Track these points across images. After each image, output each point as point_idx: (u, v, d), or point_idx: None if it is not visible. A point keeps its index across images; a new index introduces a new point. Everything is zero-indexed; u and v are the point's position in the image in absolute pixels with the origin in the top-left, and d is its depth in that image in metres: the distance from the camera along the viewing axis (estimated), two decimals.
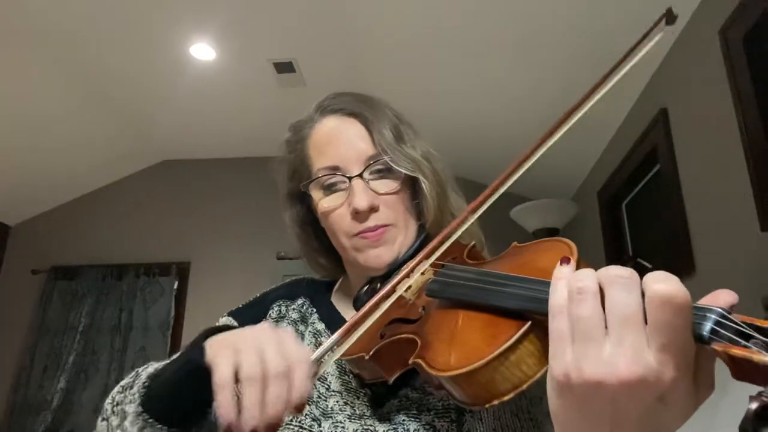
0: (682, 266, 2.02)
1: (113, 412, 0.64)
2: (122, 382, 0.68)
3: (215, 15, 2.48)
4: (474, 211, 0.58)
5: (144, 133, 3.52)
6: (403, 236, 0.75)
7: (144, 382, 0.63)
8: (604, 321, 0.37)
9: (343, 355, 0.66)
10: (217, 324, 0.85)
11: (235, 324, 0.83)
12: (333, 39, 2.60)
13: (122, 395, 0.65)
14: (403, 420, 0.66)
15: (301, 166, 0.80)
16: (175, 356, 0.66)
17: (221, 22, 2.52)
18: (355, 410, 0.69)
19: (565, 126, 0.56)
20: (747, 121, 1.71)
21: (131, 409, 0.61)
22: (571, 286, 0.39)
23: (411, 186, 0.77)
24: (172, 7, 2.43)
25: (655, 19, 0.53)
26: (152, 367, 0.67)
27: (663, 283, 0.35)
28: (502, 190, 0.58)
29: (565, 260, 0.42)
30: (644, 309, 0.36)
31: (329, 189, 0.76)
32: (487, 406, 0.46)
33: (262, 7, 2.40)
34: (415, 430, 0.65)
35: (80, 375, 3.38)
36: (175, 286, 3.57)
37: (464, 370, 0.46)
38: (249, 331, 0.55)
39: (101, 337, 3.45)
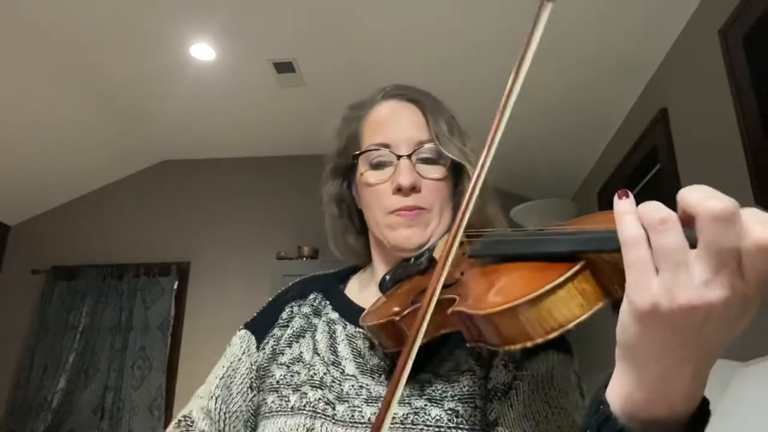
0: None
1: None
2: None
3: (215, 15, 2.48)
4: (480, 171, 0.57)
5: (144, 133, 3.52)
6: (437, 223, 0.77)
7: None
8: (688, 246, 0.37)
9: (370, 320, 0.66)
10: (234, 338, 0.87)
11: (252, 340, 0.84)
12: (333, 39, 2.60)
13: None
14: (425, 405, 0.66)
15: (353, 142, 0.82)
16: None
17: (221, 22, 2.52)
18: (371, 392, 0.69)
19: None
20: (747, 121, 1.71)
21: None
22: (650, 217, 0.38)
23: (455, 178, 0.80)
24: (172, 7, 2.43)
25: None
26: None
27: (763, 228, 0.35)
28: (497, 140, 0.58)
29: (624, 194, 0.41)
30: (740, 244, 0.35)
31: (377, 167, 0.78)
32: (530, 344, 0.45)
33: (262, 7, 2.40)
34: (437, 415, 0.65)
35: (80, 375, 3.37)
36: (175, 286, 3.56)
37: (510, 305, 0.44)
38: None
39: (101, 337, 3.45)
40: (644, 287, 0.38)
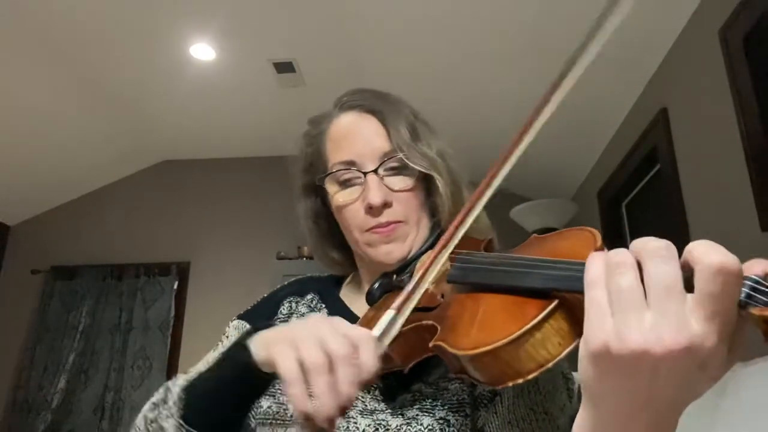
0: None
1: (148, 430, 0.63)
2: (152, 399, 0.67)
3: (215, 15, 2.48)
4: (479, 198, 0.58)
5: (144, 133, 3.52)
6: (415, 233, 0.76)
7: (180, 395, 0.62)
8: (643, 292, 0.37)
9: None
10: (227, 328, 0.86)
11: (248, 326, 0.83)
12: (333, 39, 2.60)
13: (155, 412, 0.64)
14: (417, 415, 0.66)
15: (318, 160, 0.81)
16: (209, 363, 0.65)
17: (221, 22, 2.52)
18: (366, 405, 0.69)
19: (557, 97, 0.55)
20: (747, 121, 1.71)
21: (170, 423, 0.60)
22: (608, 261, 0.39)
23: (425, 184, 0.78)
24: (172, 7, 2.43)
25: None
26: (182, 379, 0.66)
27: (715, 254, 0.35)
28: (505, 171, 0.58)
29: (600, 249, 0.42)
30: (685, 278, 0.37)
31: (344, 184, 0.77)
32: (510, 384, 0.46)
33: (262, 7, 2.40)
34: (429, 425, 0.65)
35: (80, 375, 3.37)
36: (175, 286, 3.57)
37: (489, 347, 0.45)
38: (299, 323, 0.55)
39: (101, 337, 3.45)
40: (598, 327, 0.38)
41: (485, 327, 0.49)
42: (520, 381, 0.45)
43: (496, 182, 0.56)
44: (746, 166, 1.71)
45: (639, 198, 2.73)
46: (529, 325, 0.44)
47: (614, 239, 2.84)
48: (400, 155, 0.74)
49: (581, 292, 0.41)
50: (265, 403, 0.75)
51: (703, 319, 0.36)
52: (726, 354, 0.37)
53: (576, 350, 0.44)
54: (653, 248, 0.37)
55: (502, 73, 2.65)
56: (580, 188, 3.44)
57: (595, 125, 2.86)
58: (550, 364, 0.44)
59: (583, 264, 0.41)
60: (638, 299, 0.37)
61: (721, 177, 1.89)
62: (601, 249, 0.42)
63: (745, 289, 0.36)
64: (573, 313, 0.44)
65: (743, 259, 0.36)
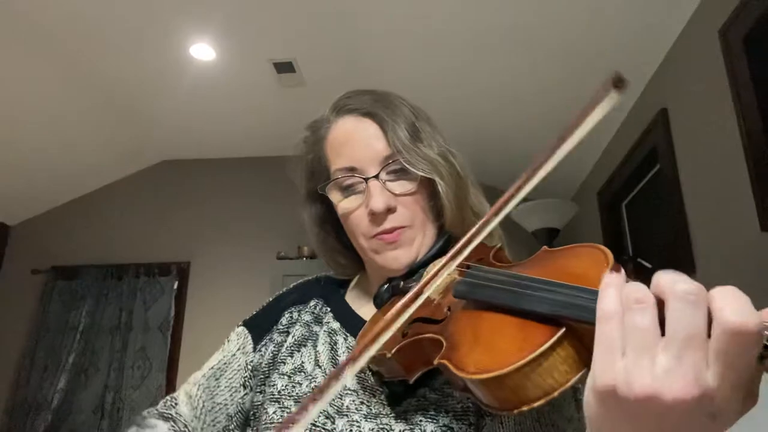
0: (682, 266, 2.02)
1: None
2: None
3: (215, 15, 2.48)
4: (497, 212, 0.56)
5: (144, 133, 3.52)
6: (422, 237, 0.75)
7: None
8: (660, 333, 0.36)
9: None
10: (231, 333, 0.86)
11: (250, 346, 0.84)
12: (333, 39, 2.60)
13: None
14: (420, 420, 0.65)
15: (319, 167, 0.80)
16: None
17: (221, 22, 2.52)
18: (371, 409, 0.69)
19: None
20: (747, 120, 1.71)
21: None
22: (627, 295, 0.37)
23: (429, 185, 0.76)
24: (172, 7, 2.43)
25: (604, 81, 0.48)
26: None
27: (736, 315, 0.33)
28: (527, 190, 0.56)
29: (616, 269, 0.40)
30: (709, 327, 0.35)
31: (347, 190, 0.75)
32: (515, 412, 0.45)
33: (262, 7, 2.40)
34: (432, 431, 0.64)
35: (80, 375, 3.37)
36: (175, 286, 3.57)
37: (494, 374, 0.44)
38: None
39: (101, 337, 3.45)
40: (607, 366, 0.37)
41: (490, 350, 0.48)
42: (525, 409, 0.44)
43: (514, 201, 0.55)
44: (746, 166, 1.71)
45: (639, 198, 2.74)
46: (535, 353, 0.42)
47: (614, 239, 2.84)
48: (400, 159, 0.72)
49: (589, 323, 0.40)
50: (270, 408, 0.75)
51: (719, 373, 0.34)
52: (741, 401, 0.36)
53: (582, 379, 0.43)
54: (683, 291, 0.35)
55: (504, 73, 2.65)
56: (580, 188, 3.45)
57: (595, 126, 2.86)
58: (556, 393, 0.43)
59: (594, 292, 0.40)
60: (653, 341, 0.35)
61: (721, 177, 1.89)
62: (613, 269, 0.40)
63: (765, 342, 0.34)
64: (581, 340, 0.43)
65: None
